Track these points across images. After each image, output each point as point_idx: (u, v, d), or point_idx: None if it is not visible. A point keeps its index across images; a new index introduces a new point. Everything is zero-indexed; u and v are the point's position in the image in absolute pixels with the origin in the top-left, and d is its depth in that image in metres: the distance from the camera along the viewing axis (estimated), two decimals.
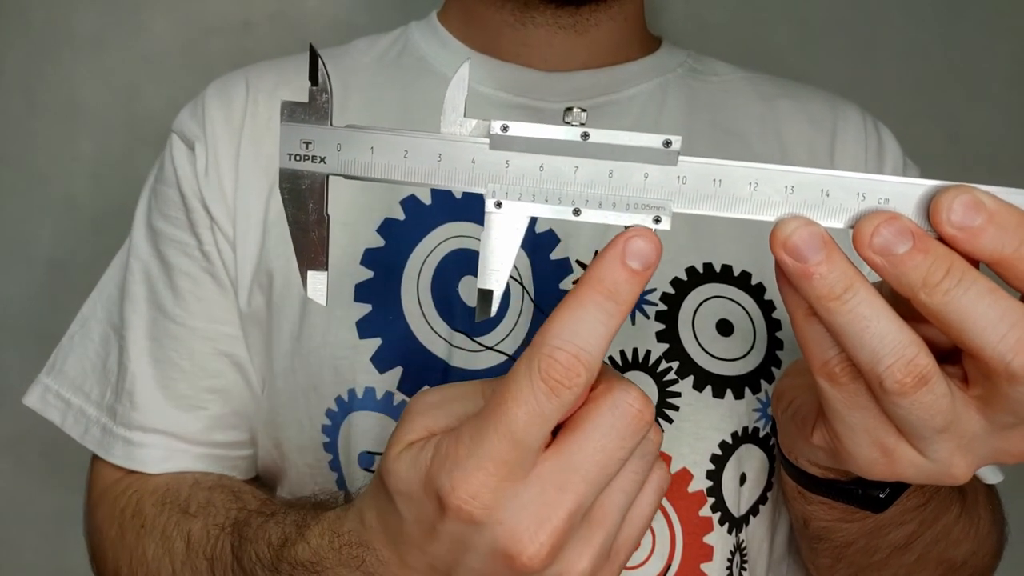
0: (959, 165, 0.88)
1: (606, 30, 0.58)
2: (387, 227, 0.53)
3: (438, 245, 0.52)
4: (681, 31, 0.86)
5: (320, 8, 0.86)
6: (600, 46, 0.59)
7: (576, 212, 0.31)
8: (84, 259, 0.84)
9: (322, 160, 0.31)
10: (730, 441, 0.51)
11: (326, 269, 0.32)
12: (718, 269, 0.53)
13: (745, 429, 0.51)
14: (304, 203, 0.31)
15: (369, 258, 0.52)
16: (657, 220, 0.31)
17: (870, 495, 0.40)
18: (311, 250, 0.32)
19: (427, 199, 0.53)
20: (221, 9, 0.85)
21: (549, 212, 0.31)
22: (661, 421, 0.50)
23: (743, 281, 0.53)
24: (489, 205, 0.31)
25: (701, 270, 0.53)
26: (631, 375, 0.50)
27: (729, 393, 0.51)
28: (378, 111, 0.56)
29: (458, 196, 0.52)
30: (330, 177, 0.31)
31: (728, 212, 0.31)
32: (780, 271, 0.30)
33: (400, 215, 0.53)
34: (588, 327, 0.29)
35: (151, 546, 0.49)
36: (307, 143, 0.31)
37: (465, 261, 0.52)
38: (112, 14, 0.84)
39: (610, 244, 0.28)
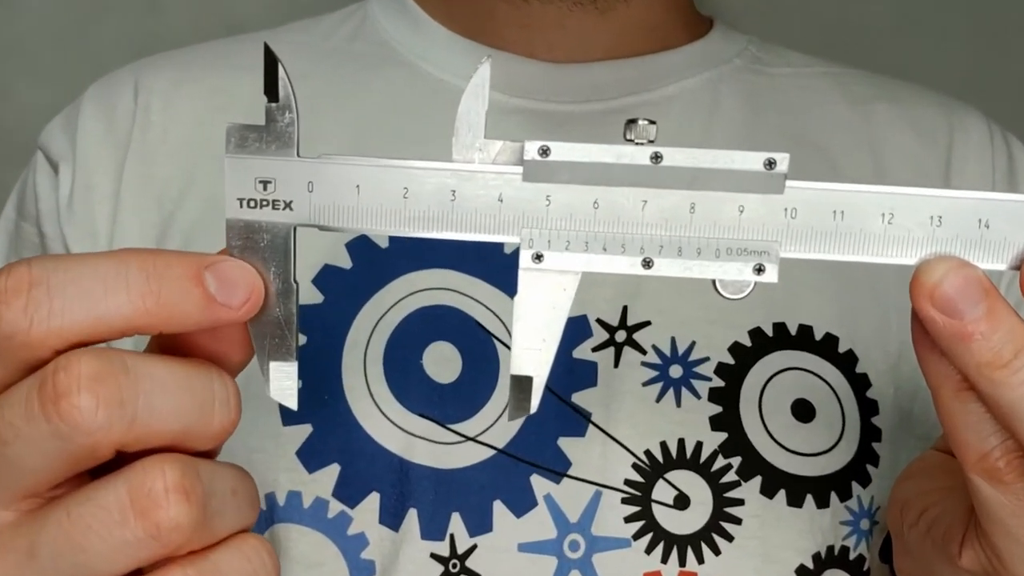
0: None
1: (638, 7, 0.57)
2: (327, 278, 0.52)
3: (397, 302, 0.52)
4: (742, 9, 0.84)
5: None
6: (629, 28, 0.58)
7: (647, 263, 0.31)
8: None
9: (287, 206, 0.30)
10: (811, 566, 0.50)
11: (296, 359, 0.31)
12: (794, 331, 0.52)
13: (831, 549, 0.51)
14: (263, 268, 0.31)
15: (302, 318, 0.50)
16: (759, 270, 0.31)
17: None
18: (275, 333, 0.31)
19: (383, 241, 0.52)
20: None
21: (609, 265, 0.31)
22: (717, 539, 0.50)
23: (827, 347, 0.52)
24: (525, 258, 0.31)
25: (771, 332, 0.52)
26: (676, 475, 0.50)
27: (810, 500, 0.50)
28: (319, 116, 0.54)
29: None
30: (297, 229, 0.31)
31: (853, 254, 0.31)
32: (921, 331, 0.31)
33: (345, 262, 0.52)
34: (88, 282, 0.29)
35: None
36: (265, 183, 0.30)
37: (434, 322, 0.51)
38: None
39: (204, 255, 0.30)
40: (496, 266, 0.52)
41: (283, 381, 0.32)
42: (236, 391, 0.30)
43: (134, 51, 0.63)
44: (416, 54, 0.58)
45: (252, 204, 0.30)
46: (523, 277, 0.31)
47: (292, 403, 0.32)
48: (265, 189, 0.30)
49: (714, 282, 0.31)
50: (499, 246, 0.51)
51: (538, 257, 0.31)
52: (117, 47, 0.84)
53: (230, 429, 0.30)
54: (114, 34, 0.85)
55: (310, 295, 0.52)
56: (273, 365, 0.31)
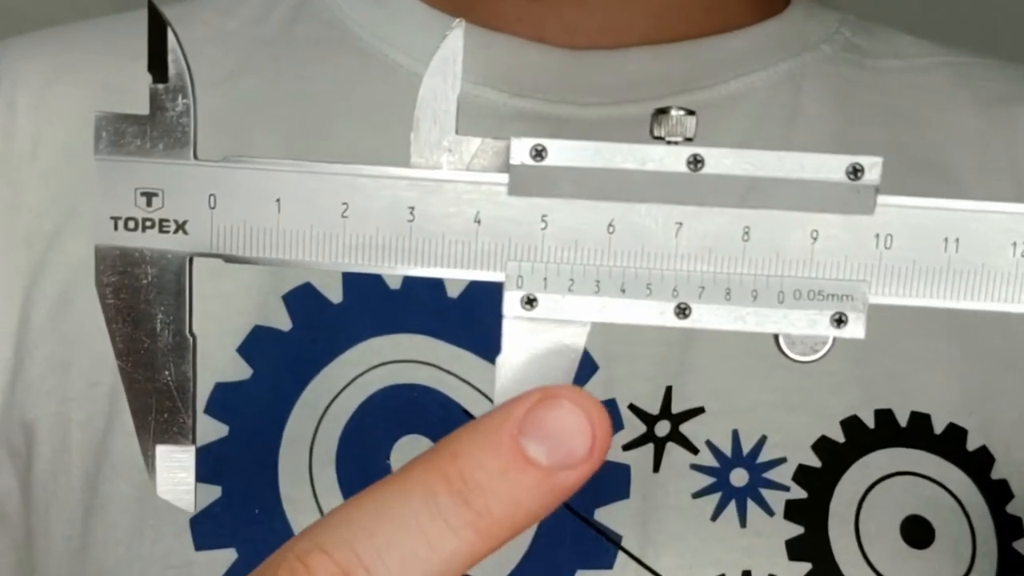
0: None
1: None
2: (258, 344, 0.48)
3: (355, 380, 0.47)
4: None
5: None
6: (676, 2, 0.53)
7: (682, 311, 0.27)
8: None
9: (180, 227, 0.27)
10: None
11: (193, 441, 0.28)
12: (904, 421, 0.47)
13: None
14: (145, 314, 0.27)
15: (222, 401, 0.47)
16: (839, 321, 0.27)
17: None
18: (162, 406, 0.28)
19: (336, 294, 0.48)
20: None
21: (629, 313, 0.27)
22: None
23: (952, 444, 0.48)
24: (511, 302, 0.27)
25: (871, 423, 0.47)
26: None
27: None
28: (250, 126, 0.51)
29: (394, 285, 0.48)
30: (195, 260, 0.28)
31: (971, 299, 0.27)
32: None
33: (283, 323, 0.48)
34: (404, 540, 0.25)
35: None
36: (150, 195, 0.27)
37: (405, 408, 0.47)
38: None
39: (504, 405, 0.26)
40: (488, 332, 0.47)
41: (175, 472, 0.28)
42: None
43: None
44: (381, 38, 0.53)
45: (131, 225, 0.27)
46: (509, 329, 0.28)
47: (188, 503, 0.28)
48: (149, 204, 0.27)
49: (776, 338, 0.27)
50: (491, 304, 0.47)
51: (530, 302, 0.27)
52: None
53: None
54: None
55: (234, 368, 0.47)
56: (161, 451, 0.28)
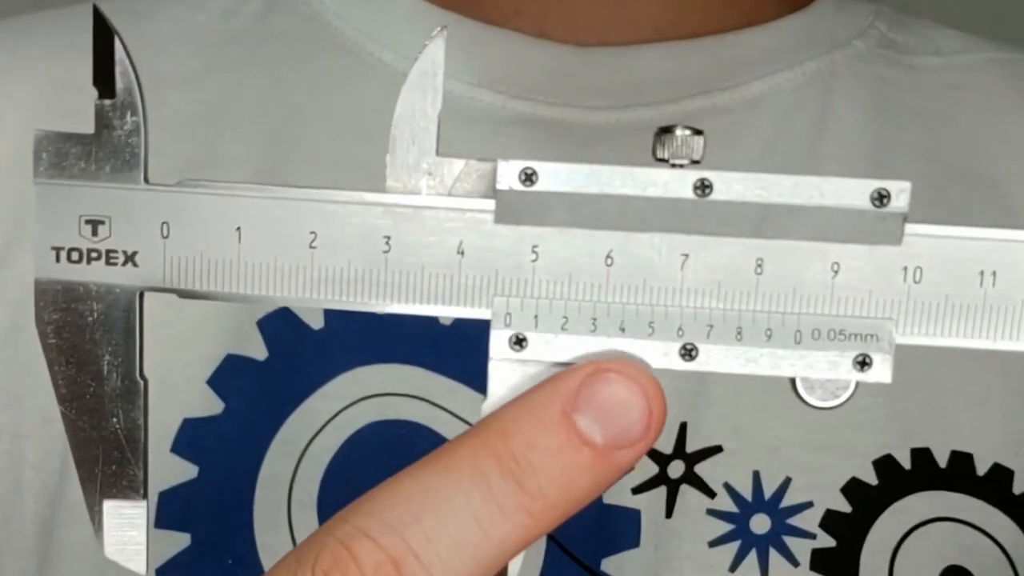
0: None
1: None
2: (230, 375, 0.46)
3: (338, 414, 0.46)
4: None
5: None
6: None
7: (688, 352, 0.26)
8: None
9: (130, 259, 0.26)
10: None
11: (145, 496, 0.26)
12: (943, 462, 0.46)
13: None
14: (90, 356, 0.26)
15: (191, 439, 0.46)
16: (863, 364, 0.26)
17: None
18: (110, 456, 0.26)
19: (316, 319, 0.46)
20: None
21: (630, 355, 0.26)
22: None
23: (996, 487, 0.46)
24: (499, 342, 0.27)
25: (907, 464, 0.45)
26: None
27: None
28: (219, 132, 0.48)
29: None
30: (146, 295, 0.26)
31: (1009, 339, 0.26)
32: None
33: (258, 351, 0.46)
34: (454, 525, 0.25)
35: None
36: (95, 224, 0.26)
37: (393, 445, 0.46)
38: None
39: (553, 379, 0.26)
40: (485, 363, 0.45)
41: (124, 531, 0.26)
42: None
43: None
44: (366, 33, 0.50)
45: (75, 257, 0.26)
46: (496, 372, 0.27)
47: (138, 564, 0.26)
48: (95, 233, 0.26)
49: (793, 382, 0.26)
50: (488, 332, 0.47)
51: (519, 342, 0.26)
52: None
53: None
54: None
55: (203, 402, 0.45)
56: (108, 506, 0.26)
